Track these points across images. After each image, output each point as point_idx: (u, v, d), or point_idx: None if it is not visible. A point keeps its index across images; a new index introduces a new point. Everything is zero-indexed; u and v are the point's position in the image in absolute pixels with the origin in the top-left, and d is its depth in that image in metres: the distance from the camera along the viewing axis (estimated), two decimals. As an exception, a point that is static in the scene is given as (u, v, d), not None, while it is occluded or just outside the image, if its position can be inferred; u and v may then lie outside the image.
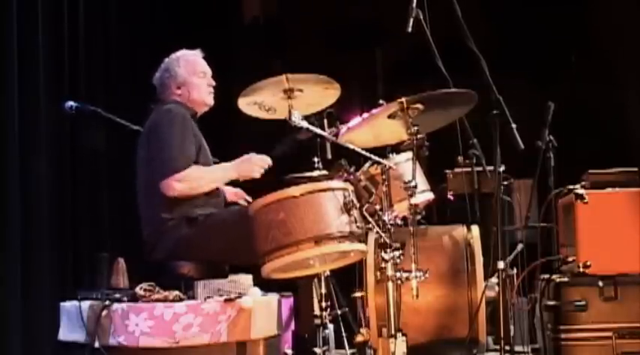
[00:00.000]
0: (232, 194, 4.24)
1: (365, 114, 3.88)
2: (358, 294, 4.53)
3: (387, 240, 3.66)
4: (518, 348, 4.50)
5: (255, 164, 3.94)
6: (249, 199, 4.24)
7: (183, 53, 4.16)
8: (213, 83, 4.16)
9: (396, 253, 3.66)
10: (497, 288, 4.02)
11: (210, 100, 4.14)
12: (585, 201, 4.20)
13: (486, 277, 4.38)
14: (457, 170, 5.20)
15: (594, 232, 4.20)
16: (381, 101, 3.89)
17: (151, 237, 3.85)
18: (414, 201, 3.83)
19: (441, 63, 4.30)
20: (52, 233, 4.76)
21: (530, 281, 4.67)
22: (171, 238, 3.80)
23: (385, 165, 3.81)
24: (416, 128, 3.85)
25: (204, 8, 6.38)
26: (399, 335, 3.66)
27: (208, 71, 4.16)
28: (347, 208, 3.47)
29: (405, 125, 3.89)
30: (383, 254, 3.67)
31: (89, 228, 5.14)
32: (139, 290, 3.52)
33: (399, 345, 3.64)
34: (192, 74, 4.10)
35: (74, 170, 5.07)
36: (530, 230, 4.92)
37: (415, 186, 3.82)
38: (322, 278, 4.01)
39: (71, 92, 4.91)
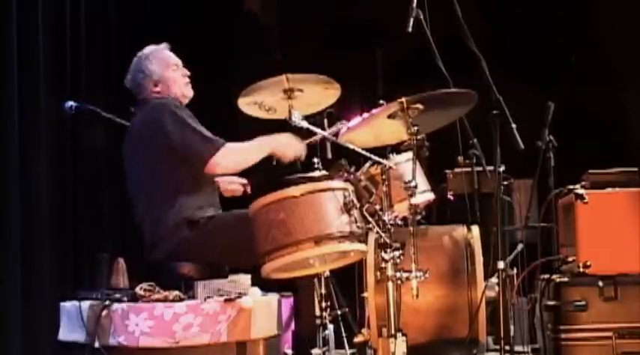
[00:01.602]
0: (227, 183, 4.24)
1: (365, 114, 3.88)
2: (366, 294, 4.52)
3: (387, 240, 3.66)
4: (518, 348, 4.51)
5: (295, 146, 3.88)
6: (244, 181, 4.24)
7: (150, 50, 4.09)
8: (188, 73, 4.10)
9: (396, 253, 3.66)
10: (497, 288, 4.02)
11: (188, 92, 4.08)
12: (585, 201, 4.20)
13: (486, 277, 4.38)
14: (457, 170, 5.21)
15: (594, 232, 4.21)
16: (381, 101, 3.89)
17: (151, 238, 3.84)
18: (414, 201, 3.83)
19: (441, 63, 4.30)
20: (52, 233, 4.76)
21: (530, 281, 4.67)
22: (172, 240, 3.78)
23: (385, 165, 3.81)
24: (416, 128, 3.85)
25: (205, 8, 6.38)
26: (399, 335, 3.66)
27: (179, 62, 4.09)
28: (347, 208, 3.47)
29: (405, 125, 3.89)
30: (383, 254, 3.67)
31: (89, 227, 5.13)
32: (139, 290, 3.52)
33: (399, 345, 3.64)
34: (166, 68, 4.03)
35: (74, 170, 5.07)
36: (530, 230, 4.92)
37: (415, 186, 3.81)
38: (322, 278, 4.02)
39: (72, 92, 4.91)
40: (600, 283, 4.17)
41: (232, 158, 3.80)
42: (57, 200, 4.84)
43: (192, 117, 3.87)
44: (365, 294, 4.48)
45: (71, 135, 5.02)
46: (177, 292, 3.53)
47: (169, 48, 4.13)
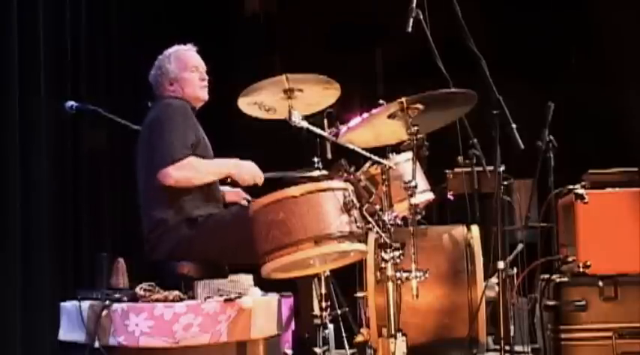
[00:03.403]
0: (232, 194, 4.23)
1: (365, 114, 3.88)
2: (360, 294, 4.52)
3: (387, 240, 3.66)
4: (518, 348, 4.51)
5: (254, 172, 3.90)
6: (249, 197, 4.22)
7: (175, 49, 4.12)
8: (206, 77, 4.11)
9: (396, 253, 3.66)
10: (497, 288, 4.02)
11: (203, 95, 4.09)
12: (585, 201, 4.21)
13: (486, 277, 4.38)
14: (457, 170, 5.21)
15: (594, 232, 4.21)
16: (381, 101, 3.89)
17: (151, 237, 3.84)
18: (414, 201, 3.83)
19: (441, 63, 4.30)
20: (52, 233, 4.76)
21: (530, 281, 4.68)
22: (172, 239, 3.79)
23: (385, 165, 3.81)
24: (416, 128, 3.85)
25: (206, 7, 6.38)
26: (399, 335, 3.66)
27: (201, 65, 4.10)
28: (347, 208, 3.46)
29: (405, 125, 3.89)
30: (383, 254, 3.68)
31: (89, 228, 5.13)
32: (139, 290, 3.52)
33: (399, 345, 3.64)
34: (183, 70, 4.05)
35: (74, 170, 5.07)
36: (530, 230, 4.92)
37: (415, 186, 3.82)
38: (322, 278, 4.01)
39: (73, 92, 4.91)
40: (600, 283, 4.18)
41: (186, 173, 3.78)
42: (57, 200, 4.84)
43: (186, 125, 3.87)
44: (361, 294, 4.48)
45: (71, 135, 5.02)
46: (177, 292, 3.53)
47: (196, 49, 4.13)
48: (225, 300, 3.47)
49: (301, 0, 6.85)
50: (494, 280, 4.23)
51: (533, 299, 4.56)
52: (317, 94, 4.23)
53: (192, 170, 3.80)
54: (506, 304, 3.94)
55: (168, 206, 3.81)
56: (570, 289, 4.22)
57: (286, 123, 3.82)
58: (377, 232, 3.66)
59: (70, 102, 4.36)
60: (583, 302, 4.17)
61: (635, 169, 4.35)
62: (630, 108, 6.21)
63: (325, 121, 4.32)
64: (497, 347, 3.99)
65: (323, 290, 3.99)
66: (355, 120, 3.92)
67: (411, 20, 4.14)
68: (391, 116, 3.88)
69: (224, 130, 5.48)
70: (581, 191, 4.23)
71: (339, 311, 4.72)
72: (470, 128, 4.69)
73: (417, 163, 3.96)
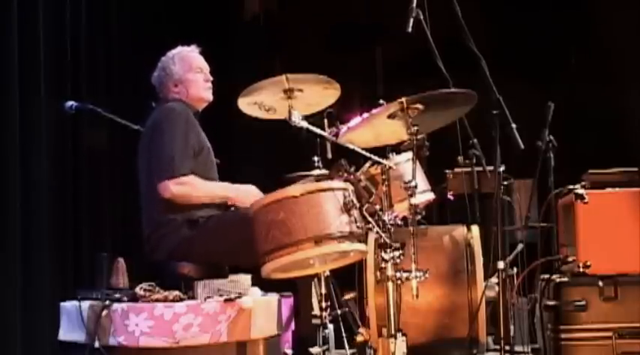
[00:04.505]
0: None
1: (365, 114, 3.88)
2: (349, 296, 4.52)
3: (387, 240, 3.66)
4: (518, 348, 4.51)
5: (253, 197, 3.90)
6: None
7: (178, 50, 4.13)
8: (211, 78, 4.12)
9: (396, 253, 3.65)
10: (497, 288, 4.02)
11: (208, 95, 4.11)
12: (585, 201, 4.20)
13: (486, 277, 4.38)
14: (457, 170, 5.21)
15: (594, 232, 4.21)
16: (381, 101, 3.89)
17: (152, 237, 3.84)
18: (414, 201, 3.83)
19: (441, 63, 4.30)
20: (52, 233, 4.76)
21: (530, 281, 4.68)
22: (172, 240, 3.79)
23: (385, 165, 3.81)
24: (416, 128, 3.85)
25: (206, 7, 6.38)
26: (399, 335, 3.66)
27: (205, 66, 4.12)
28: (347, 208, 3.46)
29: (405, 125, 3.89)
30: (383, 254, 3.67)
31: (89, 228, 5.13)
32: (139, 290, 3.52)
33: (399, 345, 3.64)
34: (188, 71, 4.07)
35: (74, 170, 5.07)
36: (530, 230, 4.92)
37: (415, 186, 3.81)
38: (322, 278, 4.01)
39: (73, 92, 4.91)
40: (600, 283, 4.18)
41: (185, 190, 3.79)
42: (57, 200, 4.84)
43: (189, 134, 3.87)
44: (349, 296, 4.49)
45: (71, 135, 5.02)
46: (177, 292, 3.54)
47: (199, 51, 4.14)
48: (225, 300, 3.47)
49: (301, 0, 6.85)
50: (494, 280, 4.23)
51: (533, 299, 4.56)
52: (317, 94, 4.23)
53: (192, 189, 3.82)
54: (506, 304, 3.94)
55: (170, 207, 3.81)
56: (570, 289, 4.22)
57: (286, 123, 3.82)
58: (377, 232, 3.66)
59: (70, 102, 4.37)
60: (583, 302, 4.17)
61: (635, 169, 4.35)
62: (630, 108, 6.21)
63: (325, 121, 4.32)
64: (497, 347, 3.99)
65: (323, 290, 3.99)
66: (355, 120, 3.92)
67: (411, 20, 4.14)
68: (391, 116, 3.87)
69: (224, 130, 5.49)
70: (581, 191, 4.23)
71: (339, 311, 4.72)
72: (470, 128, 4.69)
73: (417, 163, 3.96)
